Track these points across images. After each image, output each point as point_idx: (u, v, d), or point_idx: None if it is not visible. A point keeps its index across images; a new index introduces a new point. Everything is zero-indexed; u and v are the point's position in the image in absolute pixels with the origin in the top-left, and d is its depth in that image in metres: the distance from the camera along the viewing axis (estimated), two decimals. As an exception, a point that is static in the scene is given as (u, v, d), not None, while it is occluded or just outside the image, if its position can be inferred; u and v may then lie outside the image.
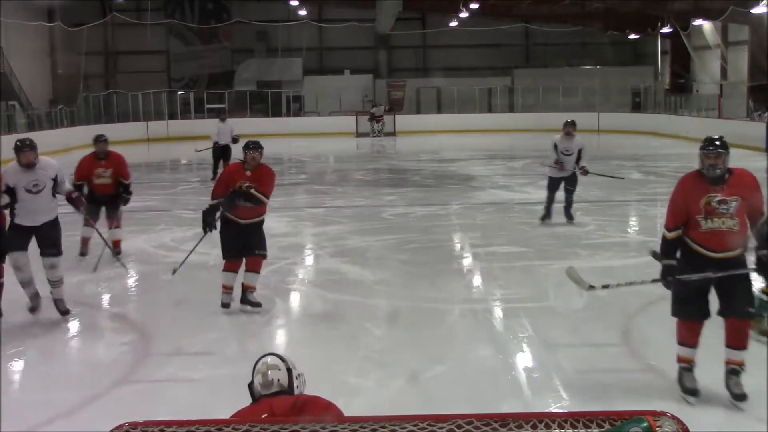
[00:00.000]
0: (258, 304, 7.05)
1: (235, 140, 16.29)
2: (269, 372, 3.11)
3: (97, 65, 34.70)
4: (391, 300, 7.56)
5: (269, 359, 3.17)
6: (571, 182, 10.84)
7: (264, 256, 7.14)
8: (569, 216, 10.99)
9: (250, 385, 3.17)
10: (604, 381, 5.50)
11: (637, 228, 11.93)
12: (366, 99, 34.47)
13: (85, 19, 31.16)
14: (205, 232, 7.20)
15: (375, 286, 8.12)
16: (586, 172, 10.81)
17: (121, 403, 5.13)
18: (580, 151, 10.68)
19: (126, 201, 9.42)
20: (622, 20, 30.66)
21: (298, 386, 3.17)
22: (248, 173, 6.95)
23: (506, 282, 8.19)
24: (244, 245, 7.04)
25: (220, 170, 15.86)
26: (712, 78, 29.17)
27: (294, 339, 6.70)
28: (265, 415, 2.86)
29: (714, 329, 5.15)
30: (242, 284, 7.06)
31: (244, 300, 7.06)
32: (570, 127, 10.82)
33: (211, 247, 10.08)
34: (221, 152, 16.76)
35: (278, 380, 3.11)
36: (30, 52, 30.14)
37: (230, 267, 7.09)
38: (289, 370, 3.14)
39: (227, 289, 7.08)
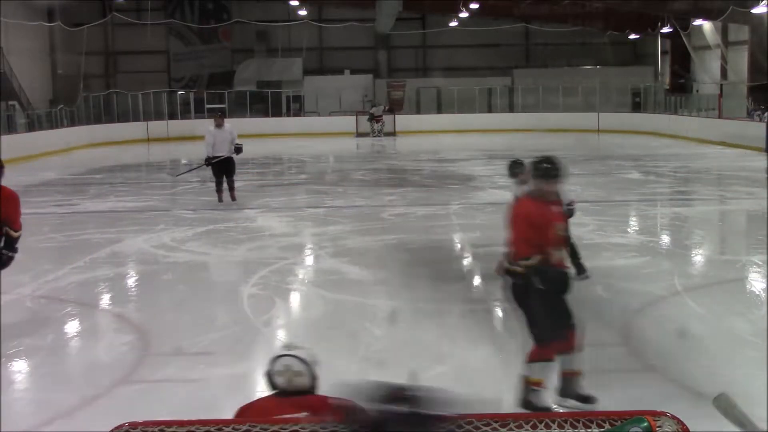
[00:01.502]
0: (592, 399, 4.86)
1: (237, 149, 13.19)
2: (295, 379, 3.10)
3: (97, 65, 34.70)
4: (391, 300, 7.56)
5: (294, 366, 3.12)
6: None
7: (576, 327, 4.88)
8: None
9: (269, 376, 3.14)
10: (604, 381, 5.49)
11: (637, 228, 11.92)
12: (366, 99, 34.48)
13: (85, 19, 31.16)
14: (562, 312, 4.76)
15: (375, 286, 8.11)
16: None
17: (121, 403, 5.13)
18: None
19: (6, 261, 6.19)
20: (622, 20, 30.65)
21: (317, 378, 3.18)
22: (555, 209, 4.77)
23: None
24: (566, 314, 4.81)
25: (225, 191, 13.26)
26: (712, 78, 29.16)
27: (294, 339, 6.69)
28: (306, 413, 2.86)
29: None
30: (563, 372, 4.93)
31: (571, 392, 4.90)
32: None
33: (211, 247, 10.13)
34: (222, 168, 13.18)
35: (302, 384, 3.12)
36: (30, 52, 30.14)
37: (549, 353, 4.80)
38: (312, 376, 3.14)
39: (540, 387, 4.80)
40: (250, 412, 2.91)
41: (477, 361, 5.85)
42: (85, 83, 30.77)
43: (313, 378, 3.14)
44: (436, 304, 7.28)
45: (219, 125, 13.16)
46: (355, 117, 31.60)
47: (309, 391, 3.11)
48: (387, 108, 32.33)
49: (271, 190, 16.05)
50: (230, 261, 9.47)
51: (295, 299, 7.98)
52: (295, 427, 2.02)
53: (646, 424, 1.95)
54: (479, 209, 13.00)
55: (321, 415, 2.80)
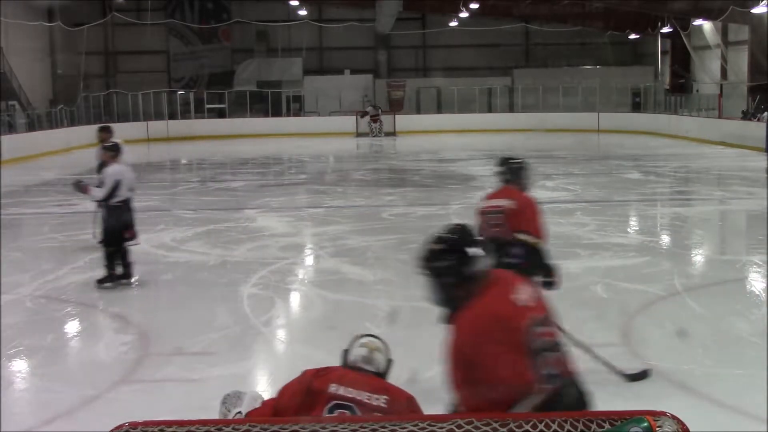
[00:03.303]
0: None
1: (79, 187, 8.49)
2: (374, 353, 3.17)
3: (97, 65, 34.70)
4: (391, 300, 7.55)
5: (377, 342, 3.22)
6: None
7: None
8: None
9: (346, 353, 3.19)
10: (604, 381, 5.49)
11: (637, 228, 11.92)
12: (365, 99, 34.48)
13: (85, 19, 31.17)
14: None
15: (375, 286, 8.12)
16: None
17: (121, 403, 5.13)
18: None
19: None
20: (622, 20, 30.64)
21: (392, 364, 3.25)
22: None
23: (506, 282, 8.16)
24: None
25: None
26: (712, 78, 29.15)
27: (294, 339, 6.69)
28: (386, 398, 2.90)
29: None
30: None
31: None
32: None
33: (211, 247, 10.13)
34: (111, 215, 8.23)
35: (379, 363, 3.18)
36: (30, 52, 30.13)
37: None
38: (388, 359, 3.23)
39: None
40: (329, 376, 2.92)
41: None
42: (85, 83, 30.78)
43: (389, 362, 3.20)
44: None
45: (103, 139, 9.62)
46: (355, 117, 31.61)
47: (382, 374, 3.14)
48: (379, 107, 32.25)
49: (271, 190, 16.05)
50: (230, 261, 9.47)
51: (295, 299, 7.97)
52: (295, 427, 2.02)
53: (646, 424, 1.95)
54: (479, 209, 12.98)
55: (398, 401, 2.91)
